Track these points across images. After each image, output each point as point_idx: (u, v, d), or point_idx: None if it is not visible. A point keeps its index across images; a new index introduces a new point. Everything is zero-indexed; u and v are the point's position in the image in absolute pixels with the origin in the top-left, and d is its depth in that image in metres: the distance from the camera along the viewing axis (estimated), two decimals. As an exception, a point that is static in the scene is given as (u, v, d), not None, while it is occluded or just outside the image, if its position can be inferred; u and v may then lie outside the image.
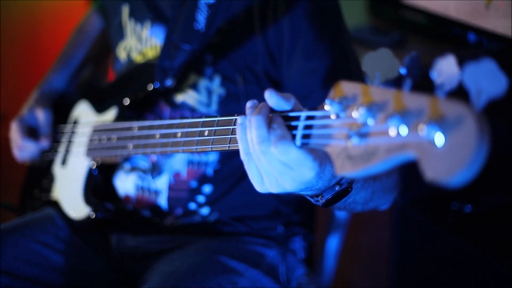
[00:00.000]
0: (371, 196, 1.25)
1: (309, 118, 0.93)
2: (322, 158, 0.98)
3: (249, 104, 1.04)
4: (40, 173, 1.85)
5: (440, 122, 0.68)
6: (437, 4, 2.20)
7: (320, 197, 1.08)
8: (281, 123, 0.98)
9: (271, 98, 1.00)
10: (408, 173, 0.94)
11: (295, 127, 0.95)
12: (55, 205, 1.72)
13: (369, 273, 2.52)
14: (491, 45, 2.04)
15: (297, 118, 0.95)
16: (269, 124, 0.99)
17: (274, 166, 0.98)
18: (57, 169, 1.78)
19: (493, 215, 1.88)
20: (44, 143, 1.76)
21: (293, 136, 0.96)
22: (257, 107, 1.02)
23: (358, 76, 1.41)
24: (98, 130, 1.63)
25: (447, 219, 1.90)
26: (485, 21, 2.00)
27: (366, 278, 2.52)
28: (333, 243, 1.85)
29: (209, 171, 1.57)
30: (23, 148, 1.76)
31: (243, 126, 1.03)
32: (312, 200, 1.10)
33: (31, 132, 1.78)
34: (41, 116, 1.77)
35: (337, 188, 1.06)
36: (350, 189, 1.08)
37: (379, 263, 2.38)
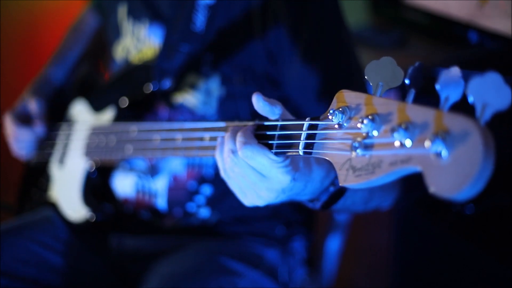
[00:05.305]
0: (369, 195, 1.25)
1: (312, 127, 0.92)
2: (297, 162, 0.99)
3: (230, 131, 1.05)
4: (38, 173, 1.84)
5: (445, 137, 0.67)
6: (438, 3, 2.20)
7: (316, 200, 1.09)
8: (248, 132, 1.00)
9: (258, 102, 1.00)
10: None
11: (299, 136, 0.94)
12: (54, 205, 1.72)
13: (369, 273, 2.52)
14: (492, 45, 2.03)
15: (300, 127, 0.94)
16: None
17: (248, 177, 1.00)
18: (55, 169, 1.77)
19: (495, 216, 1.88)
20: (38, 127, 1.75)
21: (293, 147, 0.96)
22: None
23: (359, 78, 1.40)
24: (96, 131, 1.62)
25: (448, 220, 1.90)
26: (486, 20, 2.00)
27: (367, 278, 2.52)
28: (334, 243, 1.84)
29: (209, 172, 1.56)
30: (18, 137, 1.75)
31: (220, 146, 1.06)
32: (309, 204, 1.11)
33: (25, 121, 1.77)
34: (33, 104, 1.76)
35: (331, 189, 1.07)
36: (344, 188, 1.08)
37: (380, 263, 2.38)
